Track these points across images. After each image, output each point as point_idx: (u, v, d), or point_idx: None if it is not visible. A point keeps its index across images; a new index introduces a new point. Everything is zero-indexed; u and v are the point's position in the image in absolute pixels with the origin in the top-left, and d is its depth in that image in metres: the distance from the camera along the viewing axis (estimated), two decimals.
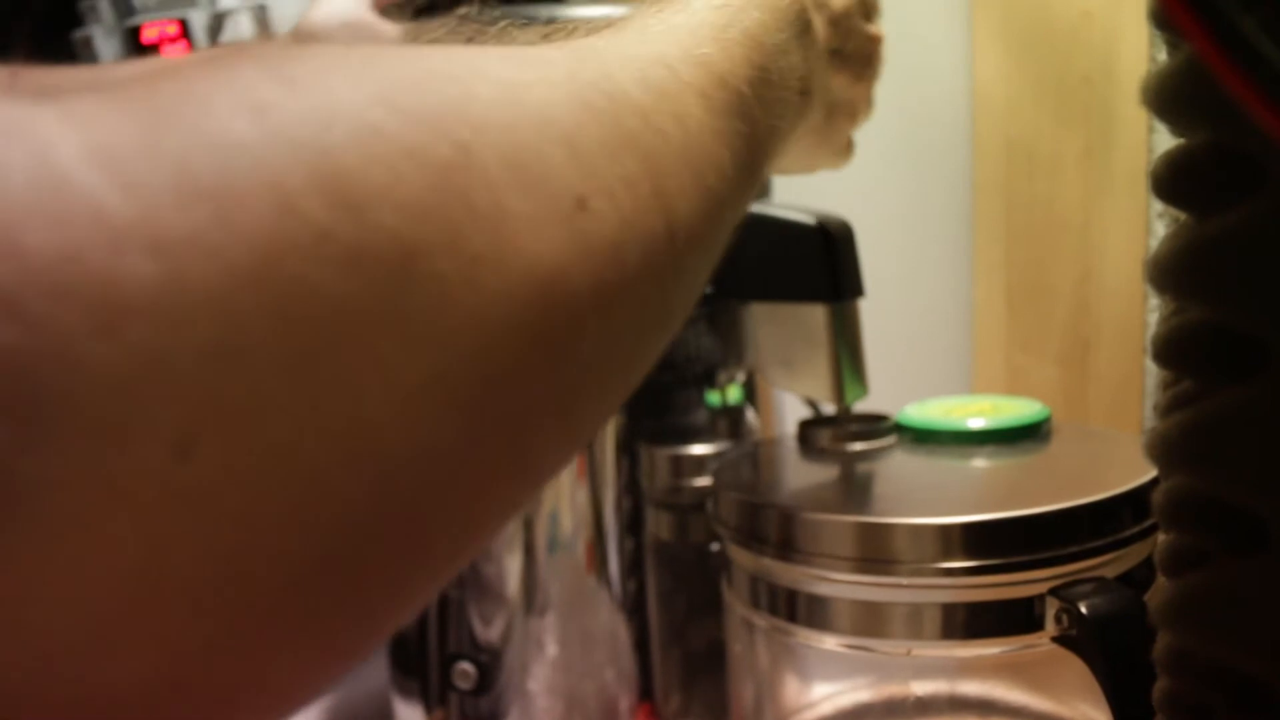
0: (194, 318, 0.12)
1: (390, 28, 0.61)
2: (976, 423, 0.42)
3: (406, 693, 0.49)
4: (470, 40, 0.24)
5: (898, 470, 0.41)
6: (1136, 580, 0.34)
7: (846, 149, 0.43)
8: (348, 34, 0.57)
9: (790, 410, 0.53)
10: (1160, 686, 0.24)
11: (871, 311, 0.46)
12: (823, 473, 0.43)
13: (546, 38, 0.24)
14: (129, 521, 0.12)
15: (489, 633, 0.46)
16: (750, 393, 0.51)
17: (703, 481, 0.45)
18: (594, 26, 0.25)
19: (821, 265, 0.43)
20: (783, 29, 0.30)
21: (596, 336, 0.19)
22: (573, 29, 0.24)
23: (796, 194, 0.48)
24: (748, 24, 0.27)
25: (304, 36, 0.57)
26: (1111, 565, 0.34)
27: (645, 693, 0.47)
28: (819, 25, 0.33)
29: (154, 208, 0.12)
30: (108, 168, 0.12)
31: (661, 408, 0.47)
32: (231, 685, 0.14)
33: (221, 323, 0.13)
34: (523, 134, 0.18)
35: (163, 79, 0.14)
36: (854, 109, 0.40)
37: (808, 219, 0.44)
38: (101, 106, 0.13)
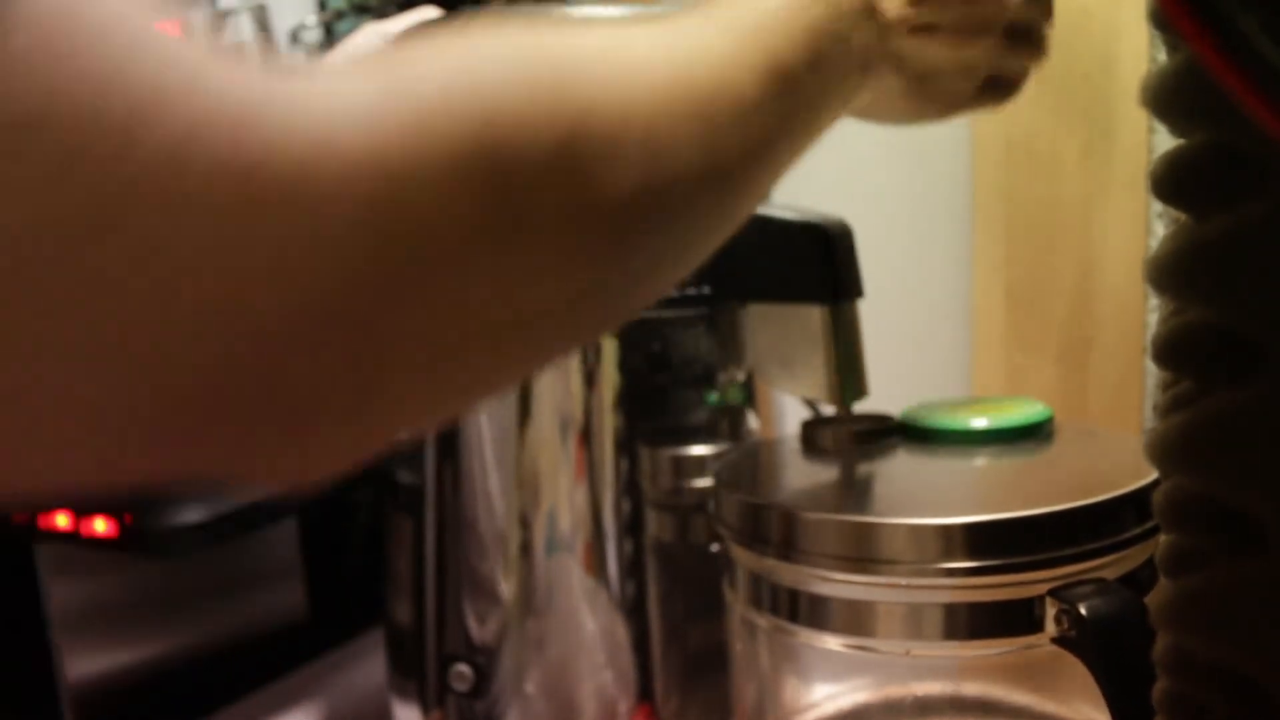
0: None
1: None
2: (979, 423, 0.42)
3: (404, 694, 0.49)
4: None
5: (899, 470, 0.41)
6: (1139, 582, 0.34)
7: (970, 99, 0.41)
8: None
9: (790, 411, 0.53)
10: (1160, 687, 0.24)
11: (871, 311, 0.46)
12: (824, 473, 0.43)
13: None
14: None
15: (485, 634, 0.46)
16: (750, 393, 0.51)
17: (703, 482, 0.44)
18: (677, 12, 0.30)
19: (820, 266, 0.43)
20: (843, 18, 0.34)
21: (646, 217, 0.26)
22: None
23: (796, 195, 0.47)
24: (808, 19, 0.32)
25: None
26: (1113, 566, 0.34)
27: (645, 694, 0.47)
28: (891, 7, 0.36)
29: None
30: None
31: (661, 409, 0.47)
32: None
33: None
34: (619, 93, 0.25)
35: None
36: (967, 69, 0.40)
37: (806, 219, 0.43)
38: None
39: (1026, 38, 0.42)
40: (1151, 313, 0.66)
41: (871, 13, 0.35)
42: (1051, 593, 0.32)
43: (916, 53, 0.37)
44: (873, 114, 0.41)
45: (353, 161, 0.19)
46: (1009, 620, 0.34)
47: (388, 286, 0.20)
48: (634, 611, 0.47)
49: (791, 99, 0.31)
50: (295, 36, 0.73)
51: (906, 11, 0.36)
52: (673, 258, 0.29)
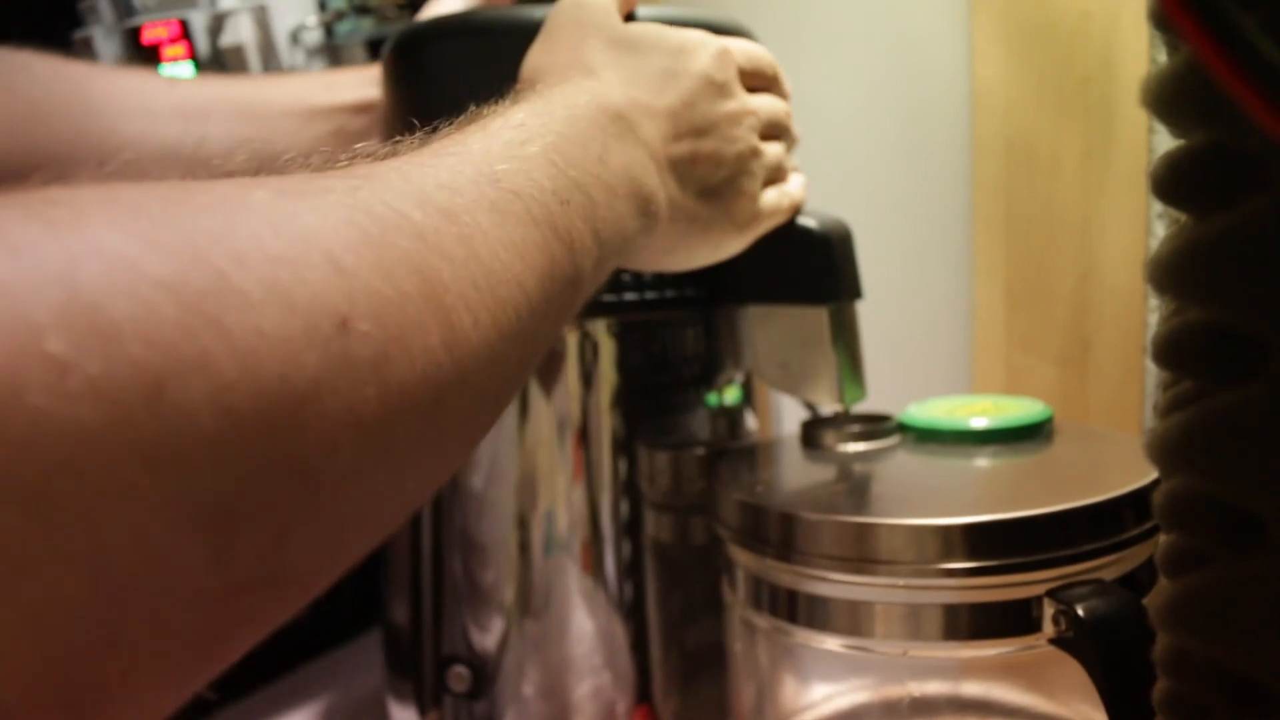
0: None
1: None
2: (979, 423, 0.42)
3: (402, 695, 0.49)
4: (260, 172, 0.22)
5: (899, 470, 0.41)
6: (1138, 582, 0.34)
7: (750, 221, 0.41)
8: None
9: (789, 411, 0.53)
10: (1160, 687, 0.24)
11: (871, 312, 0.46)
12: (823, 473, 0.43)
13: (335, 165, 0.24)
14: None
15: (483, 635, 0.46)
16: (748, 394, 0.51)
17: (702, 483, 0.44)
18: (388, 151, 0.25)
19: (819, 267, 0.43)
20: (591, 141, 0.31)
21: (353, 452, 0.19)
22: (367, 154, 0.25)
23: None
24: (547, 141, 0.29)
25: None
26: (1112, 567, 0.34)
27: (643, 695, 0.47)
28: (649, 129, 0.35)
29: None
30: None
31: (660, 409, 0.47)
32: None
33: None
34: (285, 260, 0.18)
35: None
36: (738, 188, 0.39)
37: (806, 221, 0.43)
38: None
39: (778, 130, 0.42)
40: (1151, 313, 0.66)
41: (625, 132, 0.33)
42: (1050, 593, 0.32)
43: (689, 171, 0.37)
44: (681, 250, 0.39)
45: None
46: (1007, 621, 0.34)
47: None
48: (632, 612, 0.47)
49: (548, 234, 0.27)
50: (295, 37, 0.73)
51: (666, 127, 0.35)
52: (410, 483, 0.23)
